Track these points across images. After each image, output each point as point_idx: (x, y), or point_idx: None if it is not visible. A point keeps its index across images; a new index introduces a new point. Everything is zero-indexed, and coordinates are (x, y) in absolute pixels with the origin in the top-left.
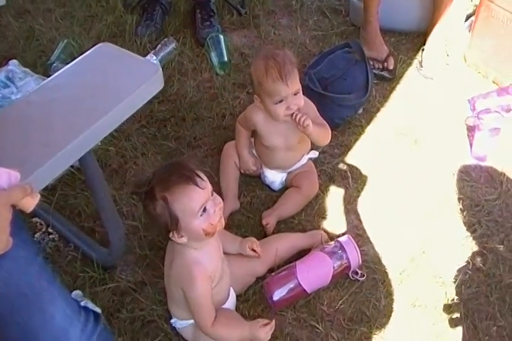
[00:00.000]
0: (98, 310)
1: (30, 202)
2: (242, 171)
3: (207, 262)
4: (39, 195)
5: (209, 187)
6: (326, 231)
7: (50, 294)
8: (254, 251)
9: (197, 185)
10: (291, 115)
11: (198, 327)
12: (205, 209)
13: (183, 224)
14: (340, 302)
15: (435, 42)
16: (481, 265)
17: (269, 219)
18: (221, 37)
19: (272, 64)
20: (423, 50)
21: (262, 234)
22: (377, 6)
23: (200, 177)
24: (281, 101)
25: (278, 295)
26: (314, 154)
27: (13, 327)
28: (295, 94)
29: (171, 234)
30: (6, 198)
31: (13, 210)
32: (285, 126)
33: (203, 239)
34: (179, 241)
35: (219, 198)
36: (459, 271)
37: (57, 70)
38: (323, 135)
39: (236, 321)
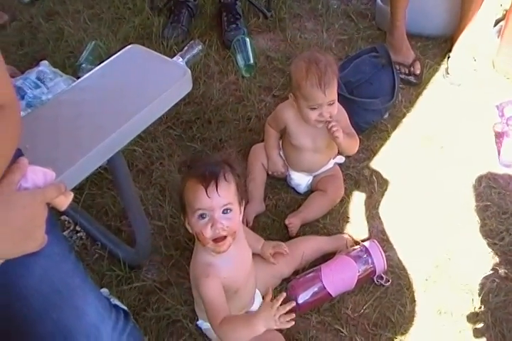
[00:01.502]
0: (125, 308)
1: (64, 201)
2: (270, 173)
3: (221, 266)
4: (72, 194)
5: (220, 203)
6: (350, 236)
7: (82, 291)
8: (277, 256)
9: (205, 190)
10: (326, 122)
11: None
12: (202, 217)
13: (188, 215)
14: (365, 306)
15: (462, 47)
16: (508, 273)
17: (293, 220)
18: (247, 39)
19: (313, 69)
20: (449, 57)
21: (286, 237)
22: (405, 10)
23: (217, 187)
24: (315, 107)
25: (303, 298)
26: (341, 159)
27: (48, 322)
28: (330, 104)
29: (182, 216)
30: (42, 196)
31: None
32: (315, 127)
33: (202, 241)
34: (189, 229)
35: (235, 225)
36: (486, 278)
37: (86, 71)
38: (352, 145)
39: (243, 320)
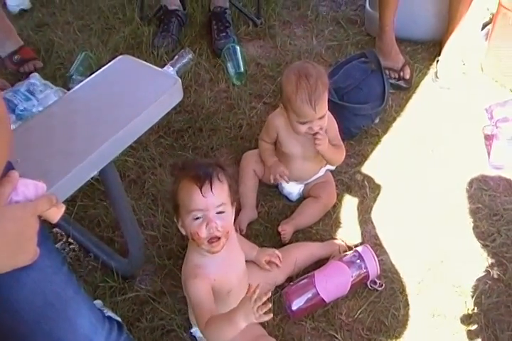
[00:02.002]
0: (118, 319)
1: (56, 213)
2: (272, 181)
3: (211, 267)
4: (64, 206)
5: (215, 202)
6: (343, 241)
7: (75, 303)
8: (272, 263)
9: (200, 190)
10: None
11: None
12: (197, 218)
13: (181, 216)
14: (359, 311)
15: (451, 51)
16: (500, 275)
17: (286, 227)
18: (237, 47)
19: (304, 84)
20: (438, 61)
21: (279, 244)
22: (393, 15)
23: (211, 186)
24: (305, 122)
25: (297, 304)
26: (332, 166)
27: (40, 335)
28: (320, 118)
29: (178, 219)
30: (33, 209)
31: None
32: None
33: (201, 245)
34: (181, 230)
35: (228, 225)
36: (479, 280)
37: (76, 82)
38: (336, 157)
39: (225, 318)
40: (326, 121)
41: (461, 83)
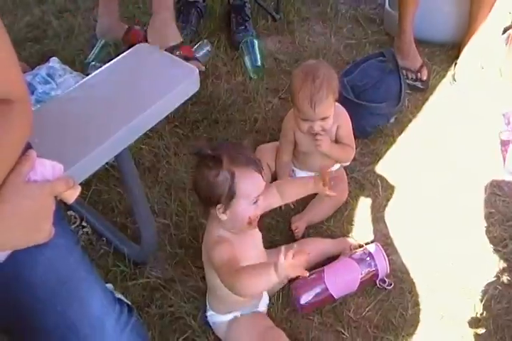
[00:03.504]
0: (129, 302)
1: (72, 194)
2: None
3: (234, 243)
4: (80, 188)
5: (265, 180)
6: (354, 239)
7: (88, 283)
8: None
9: (262, 177)
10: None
11: (232, 292)
12: (256, 201)
13: (234, 204)
14: (367, 309)
15: (470, 54)
16: (511, 280)
17: (299, 224)
18: (255, 41)
19: (308, 84)
20: (456, 64)
21: (291, 238)
22: (413, 15)
23: (264, 169)
24: (306, 120)
25: (305, 299)
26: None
27: (53, 313)
28: (322, 119)
29: (218, 206)
30: (51, 189)
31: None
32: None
33: (241, 227)
34: (220, 216)
35: (267, 208)
36: (489, 285)
37: (95, 69)
38: (342, 156)
39: (258, 268)
40: (329, 123)
41: (479, 87)
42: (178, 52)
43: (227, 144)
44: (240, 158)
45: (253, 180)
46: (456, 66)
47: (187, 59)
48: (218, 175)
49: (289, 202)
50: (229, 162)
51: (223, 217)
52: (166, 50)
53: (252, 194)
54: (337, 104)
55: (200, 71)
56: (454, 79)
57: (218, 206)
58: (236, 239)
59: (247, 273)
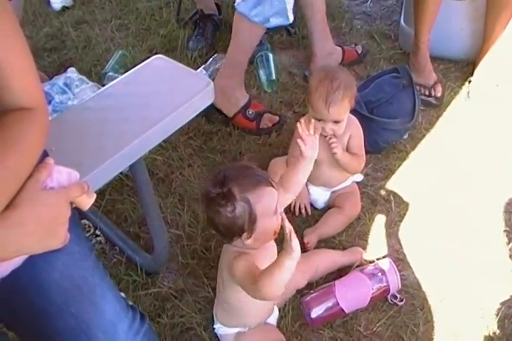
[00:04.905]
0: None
1: (87, 201)
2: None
3: (255, 257)
4: (95, 195)
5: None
6: (366, 253)
7: (101, 289)
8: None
9: (273, 187)
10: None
11: (261, 299)
12: (276, 211)
13: (258, 225)
14: (378, 324)
15: (485, 72)
16: None
17: (311, 238)
18: (270, 55)
19: (326, 84)
20: (470, 81)
21: (302, 251)
22: (429, 32)
23: (271, 178)
24: (319, 120)
25: (316, 312)
26: (359, 177)
27: (68, 317)
28: (336, 122)
29: (244, 235)
30: (66, 195)
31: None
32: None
33: (269, 239)
34: (246, 242)
35: (280, 207)
36: (502, 304)
37: (111, 79)
38: (352, 165)
39: (271, 265)
40: (341, 129)
41: (493, 104)
42: (250, 112)
43: (230, 172)
44: (248, 181)
45: (267, 196)
46: (471, 83)
47: (260, 115)
48: (235, 209)
49: (298, 192)
50: (239, 190)
51: (250, 241)
52: (238, 111)
53: (271, 208)
54: (350, 115)
55: None
56: (469, 96)
57: (244, 235)
58: (255, 254)
59: (265, 275)
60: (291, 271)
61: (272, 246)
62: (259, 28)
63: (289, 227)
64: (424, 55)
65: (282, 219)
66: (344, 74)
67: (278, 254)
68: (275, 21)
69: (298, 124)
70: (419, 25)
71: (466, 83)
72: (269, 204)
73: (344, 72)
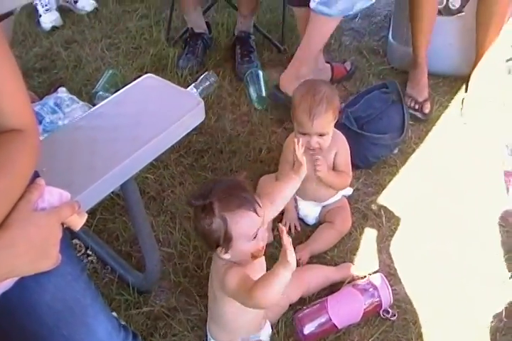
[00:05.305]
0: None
1: (78, 221)
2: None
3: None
4: (86, 215)
5: (263, 214)
6: (357, 269)
7: (93, 310)
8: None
9: (256, 213)
10: (313, 155)
11: (254, 308)
12: (256, 235)
13: (234, 245)
14: (371, 339)
15: (477, 87)
16: None
17: (302, 254)
18: (260, 72)
19: (309, 98)
20: (463, 99)
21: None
22: (426, 49)
23: (258, 204)
24: (304, 134)
25: (309, 329)
26: (349, 191)
27: (60, 338)
28: (321, 135)
29: (218, 250)
30: (57, 215)
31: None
32: (318, 154)
33: (246, 261)
34: (222, 257)
35: (265, 223)
36: (494, 317)
37: (102, 99)
38: (336, 182)
39: (267, 274)
40: (326, 143)
41: (482, 118)
42: None
43: (219, 185)
44: (231, 201)
45: (246, 220)
46: (464, 100)
47: None
48: (212, 223)
49: (282, 207)
50: (220, 208)
51: (226, 256)
52: None
53: (249, 233)
54: (336, 130)
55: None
56: (462, 114)
57: (219, 249)
58: (244, 265)
59: (260, 284)
60: (286, 281)
61: (262, 258)
62: (338, 20)
63: (286, 239)
64: (422, 70)
65: (280, 231)
66: (326, 86)
67: (273, 266)
68: (359, 6)
69: (295, 141)
70: (416, 43)
71: (458, 98)
72: (246, 229)
73: (326, 84)
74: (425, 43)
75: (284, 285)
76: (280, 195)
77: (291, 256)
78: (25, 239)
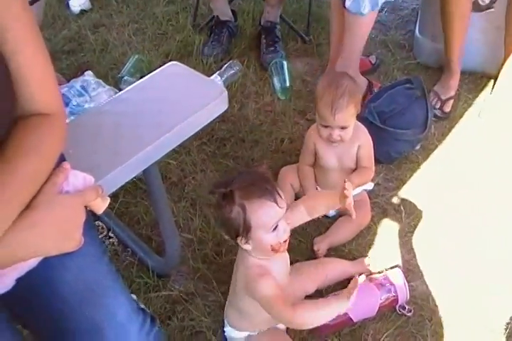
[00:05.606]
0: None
1: (101, 205)
2: None
3: (273, 269)
4: (109, 199)
5: (285, 206)
6: (375, 263)
7: (114, 291)
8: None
9: (277, 204)
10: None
11: (284, 324)
12: (276, 227)
13: (253, 235)
14: (386, 334)
15: (503, 87)
16: None
17: (321, 246)
18: (284, 63)
19: (331, 91)
20: (484, 101)
21: (312, 259)
22: (459, 52)
23: (280, 195)
24: (326, 126)
25: None
26: (369, 186)
27: (81, 317)
28: (342, 128)
29: (238, 239)
30: (81, 199)
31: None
32: (341, 147)
33: (268, 254)
34: (244, 247)
35: (289, 217)
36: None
37: (127, 84)
38: (363, 182)
39: (320, 303)
40: (347, 136)
41: (506, 119)
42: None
43: (242, 175)
44: (252, 191)
45: (265, 210)
46: (489, 98)
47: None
48: (232, 211)
49: (318, 215)
50: (240, 196)
51: (248, 247)
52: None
53: (268, 223)
54: (360, 124)
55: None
56: (480, 116)
57: (239, 238)
58: (271, 264)
59: (313, 303)
60: (331, 314)
61: (286, 254)
62: (373, 15)
63: (354, 286)
64: (455, 69)
65: (353, 281)
66: (348, 80)
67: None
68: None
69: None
70: (449, 44)
71: (482, 95)
72: (265, 219)
73: (348, 77)
74: (458, 45)
75: (326, 317)
76: (321, 207)
77: (352, 298)
78: (50, 221)
